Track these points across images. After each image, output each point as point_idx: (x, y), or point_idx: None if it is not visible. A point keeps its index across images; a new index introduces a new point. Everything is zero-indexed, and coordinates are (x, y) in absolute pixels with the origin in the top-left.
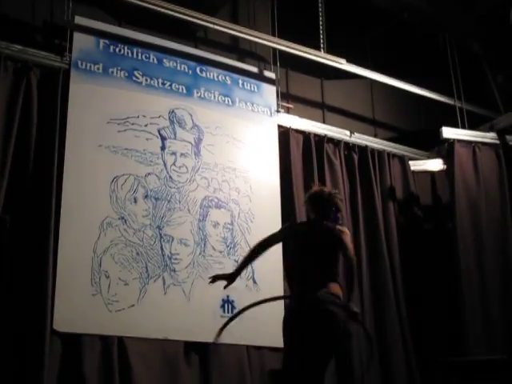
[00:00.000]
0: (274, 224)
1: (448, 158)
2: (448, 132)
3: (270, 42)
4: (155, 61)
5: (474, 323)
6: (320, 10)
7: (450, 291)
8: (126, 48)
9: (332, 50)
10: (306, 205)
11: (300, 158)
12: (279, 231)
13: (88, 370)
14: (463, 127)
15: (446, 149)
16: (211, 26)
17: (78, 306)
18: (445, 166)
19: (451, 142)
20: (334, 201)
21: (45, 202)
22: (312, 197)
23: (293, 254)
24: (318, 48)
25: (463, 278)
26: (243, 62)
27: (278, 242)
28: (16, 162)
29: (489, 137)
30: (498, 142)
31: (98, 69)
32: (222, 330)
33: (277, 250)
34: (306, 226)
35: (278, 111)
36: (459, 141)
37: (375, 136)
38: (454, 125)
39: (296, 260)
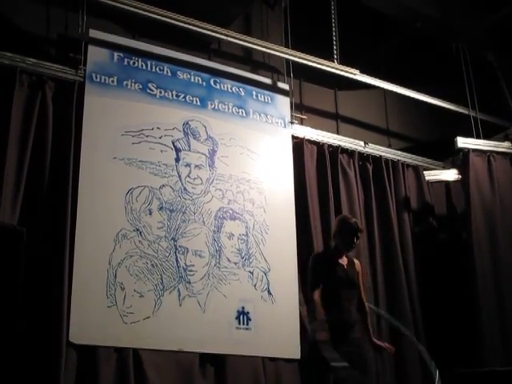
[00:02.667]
0: (289, 235)
1: (463, 168)
2: (463, 142)
3: (283, 53)
4: (169, 73)
5: (491, 333)
6: (333, 20)
7: (466, 301)
8: (140, 61)
9: (345, 60)
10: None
11: (314, 168)
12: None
13: (103, 382)
14: (478, 137)
15: (460, 158)
16: (224, 38)
17: (93, 318)
18: (460, 176)
19: (466, 152)
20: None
21: (60, 215)
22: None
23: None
24: (331, 59)
25: (479, 288)
26: (257, 73)
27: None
28: (31, 175)
29: (504, 146)
30: None
31: (113, 81)
32: None
33: (291, 261)
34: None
35: (291, 122)
36: (474, 150)
37: (389, 146)
38: (469, 134)
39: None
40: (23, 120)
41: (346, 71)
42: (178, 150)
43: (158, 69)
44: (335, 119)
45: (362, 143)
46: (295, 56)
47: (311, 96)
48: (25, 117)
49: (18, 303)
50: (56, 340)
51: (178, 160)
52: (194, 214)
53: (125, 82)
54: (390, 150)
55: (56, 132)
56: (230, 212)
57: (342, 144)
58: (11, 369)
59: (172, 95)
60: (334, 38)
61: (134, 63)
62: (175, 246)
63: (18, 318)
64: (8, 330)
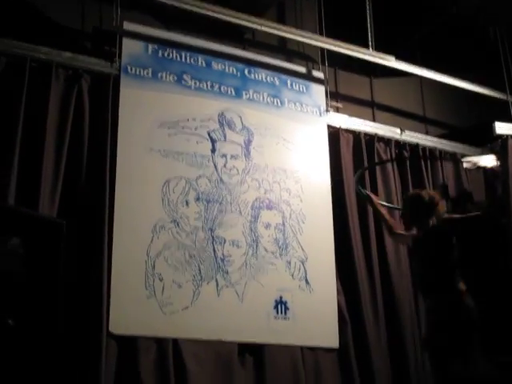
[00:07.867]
0: (326, 224)
1: (501, 154)
2: (501, 127)
3: (318, 41)
4: (204, 64)
5: None
6: (367, 7)
7: (506, 288)
8: (174, 52)
9: (380, 47)
10: None
11: (350, 157)
12: None
13: (144, 372)
14: None
15: (499, 145)
16: (259, 27)
17: (132, 309)
18: (498, 162)
19: (504, 138)
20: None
21: (98, 207)
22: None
23: None
24: (366, 46)
25: None
26: (291, 62)
27: None
28: (69, 168)
29: None
30: None
31: (148, 73)
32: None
33: (328, 250)
34: None
35: (327, 111)
36: None
37: (426, 133)
38: (507, 120)
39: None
40: (60, 114)
41: (382, 58)
42: (213, 141)
43: (192, 60)
44: (371, 107)
45: (398, 131)
46: (330, 44)
47: (346, 84)
48: (61, 110)
49: (58, 295)
50: (96, 331)
51: (213, 151)
52: (231, 204)
53: (160, 74)
54: (426, 137)
55: (92, 125)
56: (267, 202)
57: (379, 132)
58: (52, 360)
59: (207, 86)
60: (369, 24)
61: (168, 55)
62: (212, 236)
63: (59, 310)
64: (49, 321)
